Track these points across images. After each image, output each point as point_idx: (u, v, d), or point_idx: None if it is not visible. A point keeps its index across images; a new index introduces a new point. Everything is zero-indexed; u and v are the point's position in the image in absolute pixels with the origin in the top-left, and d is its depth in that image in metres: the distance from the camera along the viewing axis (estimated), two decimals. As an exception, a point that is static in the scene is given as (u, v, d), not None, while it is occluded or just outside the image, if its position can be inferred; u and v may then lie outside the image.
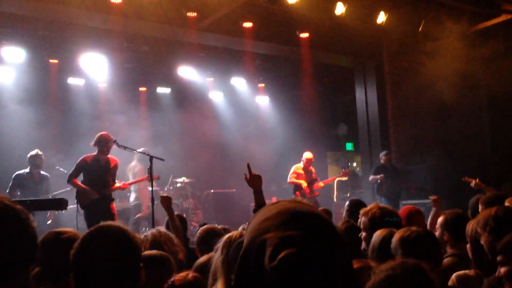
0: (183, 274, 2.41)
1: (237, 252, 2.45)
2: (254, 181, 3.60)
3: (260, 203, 3.55)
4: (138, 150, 7.23)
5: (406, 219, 3.83)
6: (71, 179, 6.78)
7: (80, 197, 6.77)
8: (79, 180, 6.83)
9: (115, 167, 7.05)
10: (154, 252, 2.72)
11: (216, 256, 2.46)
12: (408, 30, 9.71)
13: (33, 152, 7.75)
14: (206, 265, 2.89)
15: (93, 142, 6.86)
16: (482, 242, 2.36)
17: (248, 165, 3.67)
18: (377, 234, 2.84)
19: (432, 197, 4.98)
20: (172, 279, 2.35)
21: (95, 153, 6.90)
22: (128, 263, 1.75)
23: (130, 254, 1.77)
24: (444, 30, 9.44)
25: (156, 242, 3.28)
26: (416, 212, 4.11)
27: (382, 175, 9.02)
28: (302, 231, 1.00)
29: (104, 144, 6.81)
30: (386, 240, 2.71)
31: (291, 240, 0.99)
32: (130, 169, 9.43)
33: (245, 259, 1.03)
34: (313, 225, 1.03)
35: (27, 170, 7.71)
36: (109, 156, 6.96)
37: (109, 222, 1.86)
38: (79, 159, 6.91)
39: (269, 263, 0.97)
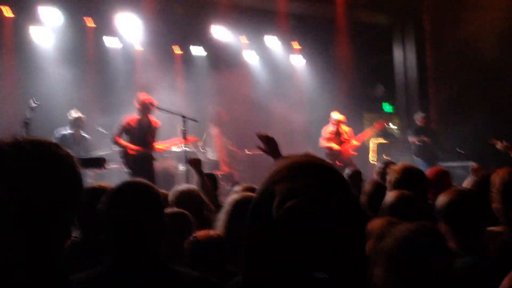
0: (205, 231, 2.45)
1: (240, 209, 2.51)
2: (271, 147, 3.26)
3: None
4: (175, 112, 7.24)
5: (434, 180, 3.75)
6: (114, 139, 7.00)
7: (124, 157, 6.97)
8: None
9: (156, 128, 7.28)
10: (173, 210, 2.77)
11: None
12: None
13: (75, 114, 7.86)
14: None
15: (136, 104, 7.01)
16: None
17: (257, 134, 3.34)
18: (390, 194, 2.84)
19: (473, 166, 4.84)
20: (194, 235, 2.39)
21: (137, 114, 7.04)
22: (152, 217, 1.80)
23: (153, 209, 1.82)
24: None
25: (181, 198, 3.33)
26: (443, 173, 4.03)
27: (426, 138, 8.83)
28: (309, 182, 1.04)
29: (147, 106, 6.97)
30: (399, 199, 2.72)
31: (298, 190, 1.02)
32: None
33: (255, 208, 1.08)
34: (320, 177, 1.06)
35: (68, 130, 7.86)
36: (150, 118, 7.11)
37: (136, 179, 1.93)
38: (122, 121, 7.11)
39: (276, 212, 1.00)
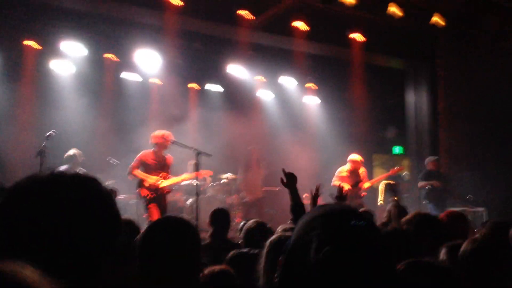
0: (216, 266, 2.49)
1: (276, 250, 2.50)
2: (290, 181, 3.83)
3: (297, 201, 3.65)
4: (189, 146, 7.40)
5: (450, 223, 3.69)
6: (132, 171, 7.16)
7: (141, 185, 7.12)
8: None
9: (170, 163, 7.52)
10: None
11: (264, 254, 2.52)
12: (463, 31, 9.43)
13: (70, 152, 8.02)
14: (237, 257, 2.96)
15: (153, 140, 7.21)
16: None
17: (283, 170, 3.94)
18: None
19: None
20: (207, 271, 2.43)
21: (153, 149, 7.31)
22: (190, 251, 1.86)
23: (191, 243, 1.89)
24: (500, 32, 9.11)
25: None
26: (459, 216, 3.95)
27: (438, 182, 8.81)
28: (347, 229, 1.08)
29: (163, 142, 7.24)
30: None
31: (337, 236, 1.07)
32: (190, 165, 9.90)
33: (291, 255, 1.12)
34: (357, 225, 1.10)
35: (65, 168, 8.00)
36: (165, 153, 7.33)
37: (173, 214, 2.01)
38: (139, 154, 7.32)
39: (315, 256, 1.05)
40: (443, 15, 8.81)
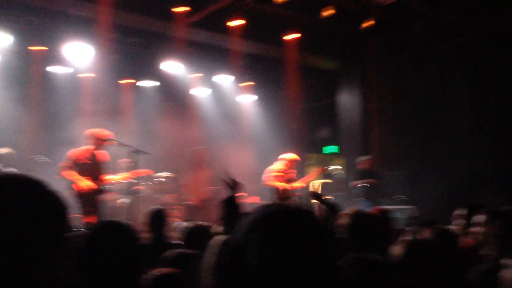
0: (163, 268, 2.44)
1: (224, 252, 2.49)
2: (231, 184, 3.84)
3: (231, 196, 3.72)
4: (127, 145, 7.15)
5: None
6: (61, 170, 6.78)
7: (72, 188, 6.80)
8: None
9: (106, 162, 7.20)
10: None
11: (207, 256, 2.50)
12: (394, 35, 9.85)
13: (1, 151, 7.63)
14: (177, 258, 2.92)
15: (89, 138, 6.89)
16: None
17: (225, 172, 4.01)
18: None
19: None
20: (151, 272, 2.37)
21: (86, 147, 6.96)
22: (129, 256, 1.84)
23: (131, 248, 1.87)
24: (430, 38, 9.60)
25: None
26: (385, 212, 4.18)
27: (373, 180, 9.10)
28: (286, 230, 1.07)
29: (103, 141, 6.93)
30: None
31: (275, 239, 1.05)
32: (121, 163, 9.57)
33: (232, 257, 1.10)
34: (297, 225, 1.09)
35: None
36: (100, 151, 7.02)
37: (109, 219, 1.97)
38: (71, 153, 6.92)
39: (255, 260, 1.03)
40: (373, 19, 9.14)
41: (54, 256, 1.12)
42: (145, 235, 4.63)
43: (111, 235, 1.84)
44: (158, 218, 4.62)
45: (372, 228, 3.22)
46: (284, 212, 1.13)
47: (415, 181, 10.02)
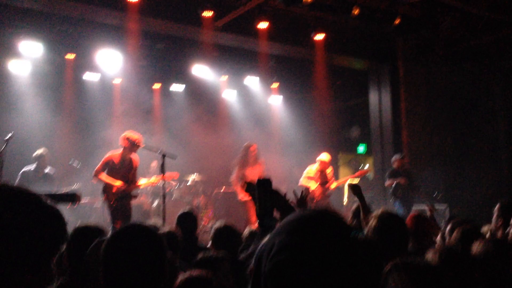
0: (198, 270, 2.44)
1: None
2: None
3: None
4: (154, 148, 7.24)
5: (413, 228, 3.77)
6: (97, 174, 6.96)
7: (107, 190, 6.95)
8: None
9: (137, 165, 7.29)
10: None
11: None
12: (424, 33, 9.67)
13: (37, 151, 7.92)
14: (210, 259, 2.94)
15: (122, 142, 7.02)
16: None
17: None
18: None
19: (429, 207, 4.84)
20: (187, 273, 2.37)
21: (121, 151, 7.09)
22: (156, 260, 1.80)
23: (157, 252, 1.82)
24: (461, 34, 9.39)
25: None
26: (423, 220, 4.06)
27: (403, 178, 8.95)
28: (306, 237, 1.01)
29: (134, 145, 7.04)
30: None
31: (292, 245, 1.00)
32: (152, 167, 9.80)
33: (257, 262, 1.07)
34: (322, 231, 1.02)
35: (33, 166, 7.89)
36: (132, 156, 7.14)
37: (137, 221, 1.95)
38: (106, 156, 7.11)
39: (267, 265, 1.00)
40: (401, 17, 8.99)
41: (50, 265, 1.19)
42: (176, 238, 4.70)
43: (135, 238, 1.82)
44: (188, 221, 4.67)
45: (399, 231, 3.15)
46: (311, 217, 1.07)
47: (449, 180, 9.81)
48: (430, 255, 2.41)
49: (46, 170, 8.08)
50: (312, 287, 0.95)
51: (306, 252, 0.98)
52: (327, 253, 0.98)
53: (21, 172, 7.88)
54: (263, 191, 2.09)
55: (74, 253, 2.24)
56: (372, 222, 3.30)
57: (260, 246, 1.09)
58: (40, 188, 7.46)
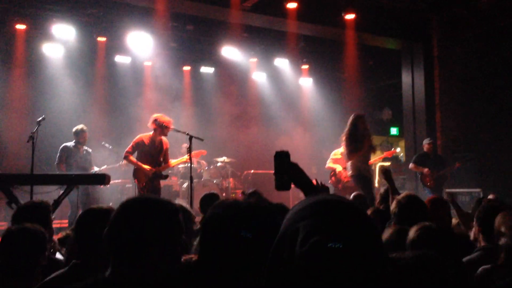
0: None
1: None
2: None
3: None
4: (182, 131, 7.27)
5: (431, 210, 3.71)
6: (127, 156, 7.10)
7: (137, 174, 7.09)
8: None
9: (167, 147, 7.37)
10: None
11: None
12: (461, 10, 9.34)
13: (78, 127, 7.99)
14: None
15: (152, 124, 7.10)
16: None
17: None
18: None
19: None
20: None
21: (151, 133, 7.18)
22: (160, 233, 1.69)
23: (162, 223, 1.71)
24: (498, 12, 9.01)
25: None
26: (441, 202, 3.99)
27: (426, 169, 8.75)
28: (333, 219, 1.03)
29: (164, 128, 7.10)
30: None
31: (323, 227, 1.01)
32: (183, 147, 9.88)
33: (279, 245, 1.07)
34: (346, 215, 1.05)
35: (73, 143, 7.97)
36: (162, 138, 7.22)
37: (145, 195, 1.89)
38: (136, 138, 7.22)
39: (300, 248, 0.99)
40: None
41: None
42: (199, 220, 4.74)
43: (144, 209, 1.70)
44: (211, 202, 4.68)
45: (417, 215, 3.10)
46: (333, 201, 1.09)
47: (484, 164, 9.53)
48: None
49: (86, 148, 8.13)
50: (348, 266, 0.98)
51: (334, 233, 1.00)
52: (349, 233, 1.01)
53: (62, 146, 7.89)
54: (280, 164, 2.08)
55: (84, 235, 2.27)
56: (393, 206, 3.28)
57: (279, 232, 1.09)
58: (79, 164, 7.66)
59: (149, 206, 1.71)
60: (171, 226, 1.70)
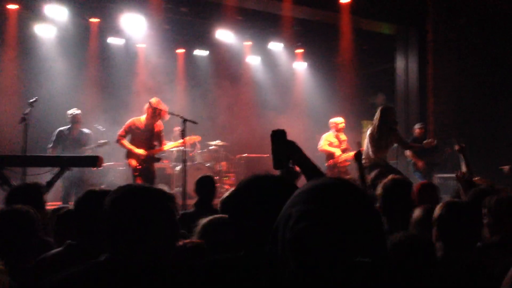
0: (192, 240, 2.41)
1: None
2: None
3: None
4: (175, 114, 7.23)
5: (418, 195, 3.77)
6: (119, 140, 7.12)
7: (130, 157, 7.11)
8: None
9: (161, 132, 7.37)
10: None
11: None
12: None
13: (70, 111, 7.96)
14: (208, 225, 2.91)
15: (148, 108, 7.07)
16: None
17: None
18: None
19: (458, 173, 4.65)
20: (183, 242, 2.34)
21: (144, 116, 7.16)
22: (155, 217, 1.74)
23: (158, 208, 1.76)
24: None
25: None
26: (429, 187, 4.06)
27: (421, 162, 8.75)
28: (325, 204, 1.01)
29: (157, 115, 7.08)
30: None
31: (312, 213, 1.00)
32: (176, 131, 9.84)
33: (276, 230, 1.07)
34: (339, 200, 1.03)
35: (68, 126, 7.93)
36: (155, 121, 7.20)
37: (137, 183, 1.92)
38: (129, 121, 7.20)
39: (288, 234, 1.00)
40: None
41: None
42: (193, 203, 4.76)
43: (133, 198, 1.74)
44: (205, 185, 4.70)
45: (403, 199, 3.17)
46: (330, 186, 1.07)
47: (473, 150, 9.58)
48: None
49: (83, 129, 8.04)
50: (331, 254, 0.96)
51: (324, 220, 0.98)
52: (344, 219, 0.99)
53: (56, 131, 7.85)
54: (277, 143, 2.09)
55: (82, 216, 2.29)
56: (378, 190, 3.33)
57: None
58: (74, 148, 7.63)
59: (143, 193, 1.76)
60: (164, 211, 1.75)
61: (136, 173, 7.13)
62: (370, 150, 6.83)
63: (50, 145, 7.74)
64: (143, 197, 1.75)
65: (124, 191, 1.77)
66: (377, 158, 6.75)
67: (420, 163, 8.79)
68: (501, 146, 9.48)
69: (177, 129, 10.02)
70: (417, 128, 9.19)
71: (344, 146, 8.89)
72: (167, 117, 7.20)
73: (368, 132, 6.93)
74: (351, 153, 8.83)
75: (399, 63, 10.90)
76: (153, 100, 7.18)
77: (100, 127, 8.80)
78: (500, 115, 9.89)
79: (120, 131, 7.21)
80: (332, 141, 8.83)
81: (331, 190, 1.05)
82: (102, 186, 7.15)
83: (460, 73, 10.24)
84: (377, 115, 6.82)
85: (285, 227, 1.02)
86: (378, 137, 6.73)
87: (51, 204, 7.30)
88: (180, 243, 2.30)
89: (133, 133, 7.19)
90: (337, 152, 8.70)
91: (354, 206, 1.02)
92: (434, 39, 10.28)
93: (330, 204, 1.01)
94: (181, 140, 7.03)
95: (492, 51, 10.10)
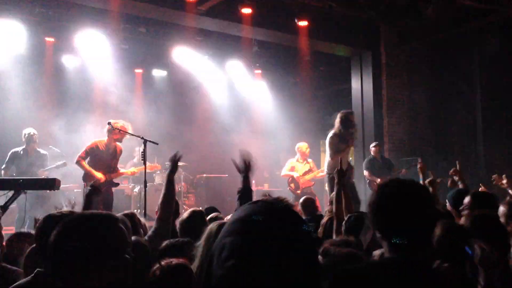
0: (174, 259, 2.40)
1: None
2: (245, 167, 3.64)
3: (246, 186, 3.62)
4: (136, 135, 7.15)
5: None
6: (80, 161, 6.95)
7: (87, 179, 6.94)
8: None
9: (120, 153, 7.30)
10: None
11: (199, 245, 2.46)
12: (408, 21, 9.72)
13: (25, 131, 7.75)
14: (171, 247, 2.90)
15: (107, 129, 6.95)
16: None
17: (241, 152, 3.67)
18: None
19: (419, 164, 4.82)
20: (163, 263, 2.32)
21: (106, 139, 7.04)
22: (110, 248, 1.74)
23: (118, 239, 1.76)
24: (444, 23, 9.43)
25: None
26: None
27: (379, 179, 8.92)
28: (256, 240, 0.99)
29: (118, 133, 7.00)
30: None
31: (243, 249, 0.98)
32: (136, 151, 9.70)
33: (211, 258, 1.04)
34: (272, 233, 1.00)
35: (23, 146, 7.72)
36: (116, 143, 7.10)
37: (92, 211, 1.91)
38: (90, 143, 7.10)
39: (218, 269, 0.99)
40: (387, 5, 9.03)
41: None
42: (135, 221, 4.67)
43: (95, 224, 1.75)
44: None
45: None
46: (259, 213, 1.03)
47: (428, 168, 9.91)
48: None
49: (39, 149, 7.85)
50: None
51: (255, 256, 0.97)
52: (276, 253, 0.97)
53: (10, 152, 7.66)
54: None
55: (43, 243, 2.22)
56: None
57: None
58: (31, 169, 7.38)
59: (90, 223, 1.75)
60: (110, 237, 1.73)
61: (91, 195, 6.94)
62: (329, 153, 7.03)
63: (3, 166, 7.49)
64: (86, 228, 1.73)
65: (65, 223, 1.77)
66: (335, 162, 6.90)
67: (375, 183, 9.02)
68: (451, 164, 9.83)
69: (137, 149, 9.91)
70: (372, 147, 9.44)
71: (307, 168, 9.13)
72: (127, 136, 7.10)
73: (329, 135, 7.14)
74: (313, 174, 9.11)
75: (355, 84, 11.21)
76: (113, 120, 7.09)
77: (55, 149, 8.57)
78: (451, 133, 10.31)
79: (81, 152, 7.07)
80: (294, 165, 9.10)
81: (263, 218, 1.02)
82: (64, 209, 6.93)
83: (413, 93, 10.65)
84: (338, 118, 7.18)
85: (218, 259, 1.00)
86: (339, 140, 6.97)
87: (7, 228, 7.02)
88: (164, 263, 2.28)
89: (94, 155, 7.06)
90: (295, 174, 8.99)
91: (284, 236, 1.00)
92: (387, 62, 10.66)
93: (261, 236, 0.99)
94: (142, 167, 6.95)
95: (442, 73, 10.57)
